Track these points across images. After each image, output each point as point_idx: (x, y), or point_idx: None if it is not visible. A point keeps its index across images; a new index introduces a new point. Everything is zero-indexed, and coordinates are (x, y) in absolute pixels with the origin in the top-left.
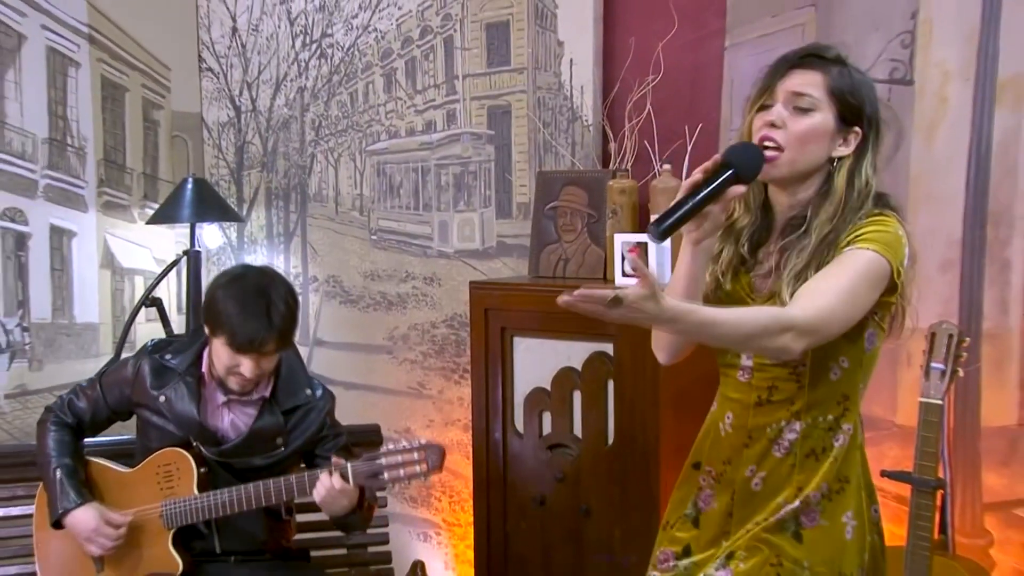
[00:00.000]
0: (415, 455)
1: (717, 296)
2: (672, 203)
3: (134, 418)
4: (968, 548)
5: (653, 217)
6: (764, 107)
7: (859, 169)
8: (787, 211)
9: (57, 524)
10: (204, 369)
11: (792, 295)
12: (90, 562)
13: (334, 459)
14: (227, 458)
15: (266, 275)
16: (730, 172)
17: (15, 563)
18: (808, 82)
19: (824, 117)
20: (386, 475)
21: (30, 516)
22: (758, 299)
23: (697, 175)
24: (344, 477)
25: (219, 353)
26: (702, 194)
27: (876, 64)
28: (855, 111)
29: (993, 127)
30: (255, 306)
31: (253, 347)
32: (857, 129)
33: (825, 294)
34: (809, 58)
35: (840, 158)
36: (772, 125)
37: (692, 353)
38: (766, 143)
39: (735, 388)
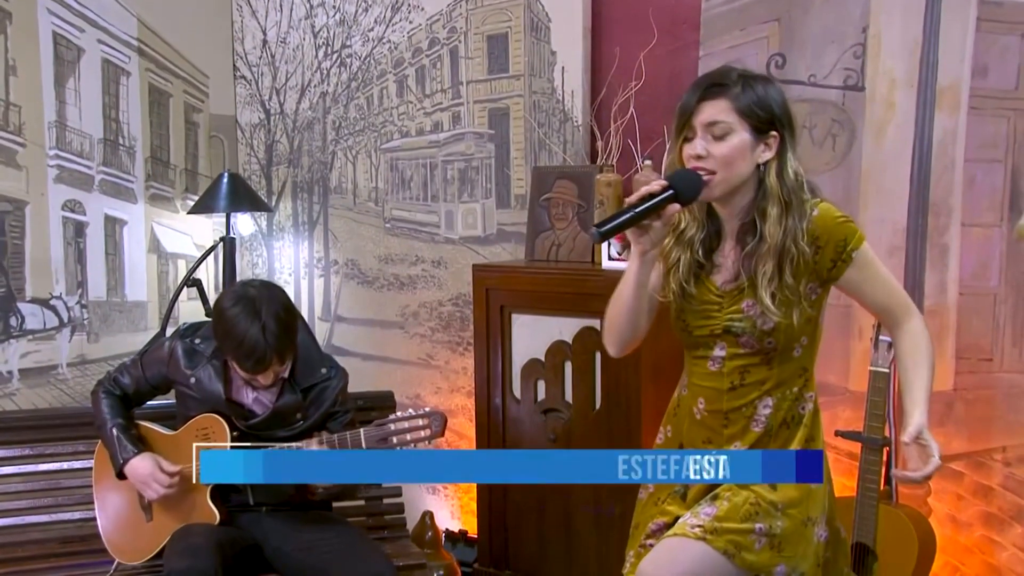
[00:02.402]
0: (420, 421)
1: (685, 300)
2: (615, 212)
3: (173, 389)
4: (909, 498)
5: (596, 221)
6: (687, 139)
7: (785, 167)
8: (731, 218)
9: (120, 475)
10: None
11: (771, 296)
12: (141, 511)
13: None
14: (254, 431)
15: (258, 299)
16: (669, 193)
17: (78, 509)
18: (717, 111)
19: (740, 136)
20: (395, 439)
21: (90, 469)
22: (726, 297)
23: (644, 191)
24: (357, 440)
25: (235, 368)
26: (639, 208)
27: (832, 72)
28: (766, 120)
29: (933, 129)
30: (252, 332)
31: (259, 369)
32: (774, 133)
33: (901, 294)
34: (712, 88)
35: (766, 162)
36: (698, 157)
37: (666, 328)
38: (699, 172)
39: (705, 376)
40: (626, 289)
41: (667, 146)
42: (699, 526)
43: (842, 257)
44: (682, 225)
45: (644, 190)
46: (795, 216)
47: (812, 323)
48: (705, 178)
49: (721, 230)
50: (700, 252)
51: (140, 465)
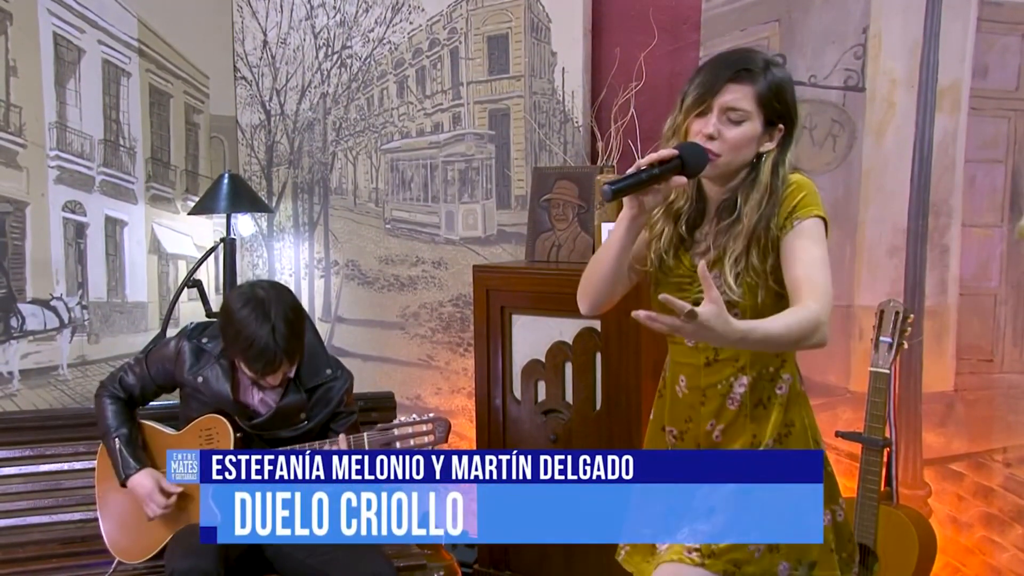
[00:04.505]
0: (424, 427)
1: (662, 271)
2: (627, 173)
3: (177, 389)
4: (910, 498)
5: (608, 179)
6: (701, 114)
7: (782, 160)
8: (719, 197)
9: (123, 485)
10: None
11: (735, 277)
12: (142, 510)
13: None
14: (258, 431)
15: (267, 300)
16: (677, 162)
17: (78, 510)
18: (740, 96)
19: (753, 125)
20: (398, 444)
21: (91, 470)
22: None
23: (653, 156)
24: (360, 445)
25: (244, 369)
26: (654, 171)
27: (832, 73)
28: (779, 112)
29: (934, 129)
30: (261, 334)
31: (268, 370)
32: (781, 126)
33: (819, 279)
34: (743, 72)
35: (766, 152)
36: (709, 137)
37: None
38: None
39: (684, 354)
40: (609, 251)
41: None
42: (696, 550)
43: (784, 223)
44: (671, 196)
45: (654, 156)
46: (774, 203)
47: (784, 300)
48: (709, 157)
49: (706, 208)
50: (684, 227)
51: (141, 483)
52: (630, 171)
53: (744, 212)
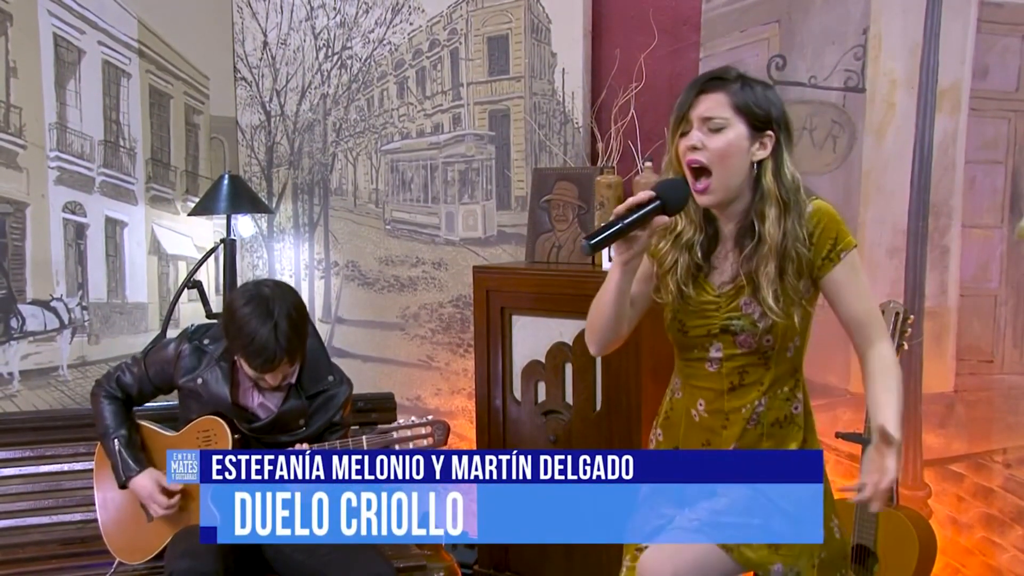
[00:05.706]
0: (423, 430)
1: (683, 301)
2: (604, 223)
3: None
4: (910, 499)
5: (587, 234)
6: (684, 133)
7: (781, 167)
8: (729, 222)
9: (123, 486)
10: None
11: (773, 296)
12: (141, 510)
13: (353, 433)
14: (256, 434)
15: (271, 298)
16: (657, 204)
17: (78, 511)
18: (714, 104)
19: (736, 131)
20: (397, 447)
21: (90, 471)
22: (723, 298)
23: (630, 201)
24: (359, 447)
25: (243, 366)
26: (629, 219)
27: (832, 74)
28: (763, 118)
29: (934, 130)
30: (263, 331)
31: (268, 368)
32: (770, 132)
33: (877, 312)
34: (712, 82)
35: (761, 161)
36: (694, 148)
37: (665, 329)
38: (693, 165)
39: (704, 378)
40: (607, 296)
41: (667, 145)
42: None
43: (830, 255)
44: (679, 228)
45: (631, 200)
46: (794, 218)
47: (806, 322)
48: (699, 185)
49: (718, 232)
50: (699, 254)
51: (143, 484)
52: (609, 220)
53: (766, 231)
